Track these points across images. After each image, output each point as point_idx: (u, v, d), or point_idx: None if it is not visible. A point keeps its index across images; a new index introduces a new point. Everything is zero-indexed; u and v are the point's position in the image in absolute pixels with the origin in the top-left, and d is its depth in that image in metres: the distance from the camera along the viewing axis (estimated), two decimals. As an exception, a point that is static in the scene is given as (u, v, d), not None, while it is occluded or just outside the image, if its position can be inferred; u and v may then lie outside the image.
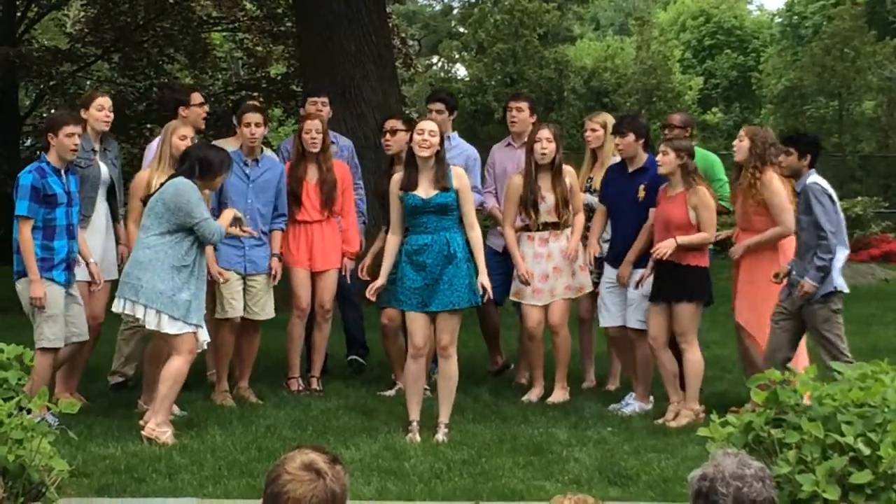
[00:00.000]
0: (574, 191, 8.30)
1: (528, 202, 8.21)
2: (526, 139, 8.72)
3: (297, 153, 8.53)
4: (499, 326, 9.27)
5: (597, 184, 8.56)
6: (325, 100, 9.15)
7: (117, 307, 7.10)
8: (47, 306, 7.21)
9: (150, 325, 7.00)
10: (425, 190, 7.22)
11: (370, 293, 7.36)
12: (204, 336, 7.21)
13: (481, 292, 7.20)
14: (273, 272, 8.27)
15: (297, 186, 8.42)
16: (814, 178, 7.39)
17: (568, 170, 8.32)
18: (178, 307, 6.98)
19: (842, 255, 7.35)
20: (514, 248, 8.36)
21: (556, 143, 8.16)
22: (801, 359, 7.64)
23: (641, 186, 8.10)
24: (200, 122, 8.65)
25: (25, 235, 7.17)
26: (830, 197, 7.34)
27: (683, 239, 7.66)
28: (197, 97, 8.76)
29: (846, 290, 7.43)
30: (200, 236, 7.03)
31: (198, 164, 7.13)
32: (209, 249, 7.66)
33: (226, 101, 19.06)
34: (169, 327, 6.99)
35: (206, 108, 8.79)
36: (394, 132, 8.50)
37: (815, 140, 7.71)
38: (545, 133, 8.20)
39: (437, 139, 7.21)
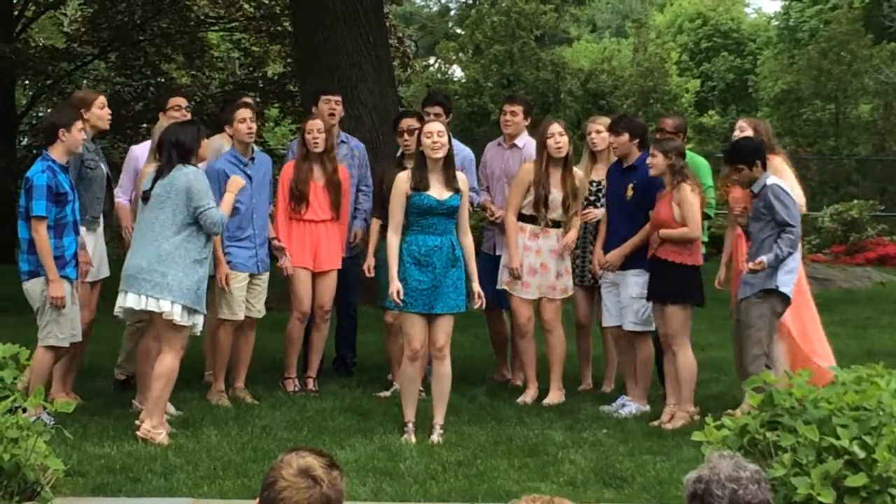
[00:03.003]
0: (577, 194, 8.29)
1: (540, 198, 8.21)
2: (516, 142, 8.85)
3: (301, 152, 8.52)
4: (507, 336, 9.14)
5: None
6: (339, 98, 9.13)
7: (137, 304, 7.01)
8: (65, 305, 7.20)
9: (178, 319, 6.98)
10: (438, 191, 7.20)
11: (397, 298, 7.11)
12: (201, 325, 7.24)
13: (475, 297, 7.21)
14: (282, 260, 8.30)
15: (304, 186, 8.40)
16: (773, 178, 7.42)
17: (577, 173, 8.32)
18: (200, 301, 7.06)
19: (794, 259, 7.39)
20: (513, 236, 8.30)
21: (567, 137, 8.19)
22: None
23: (630, 186, 8.12)
24: None
25: (43, 236, 7.13)
26: (792, 200, 7.38)
27: (664, 232, 7.70)
28: (174, 102, 8.66)
29: (789, 295, 7.42)
30: (203, 224, 7.02)
31: (175, 151, 7.12)
32: (219, 252, 7.77)
33: (223, 100, 19.06)
34: (190, 319, 7.03)
35: (184, 114, 8.69)
36: (412, 131, 8.42)
37: (756, 146, 7.63)
38: (557, 128, 8.21)
39: (445, 139, 7.21)
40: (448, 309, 7.17)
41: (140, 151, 8.50)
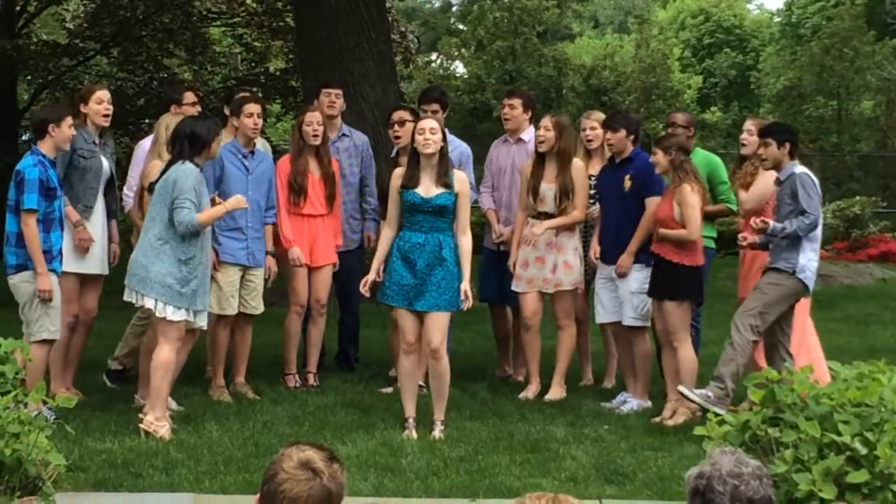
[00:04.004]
0: (578, 187, 8.26)
1: (530, 188, 8.24)
2: (520, 135, 8.83)
3: (297, 146, 8.52)
4: (510, 332, 9.14)
5: None
6: (340, 91, 9.13)
7: (128, 297, 7.12)
8: (52, 298, 7.21)
9: (159, 314, 7.00)
10: (426, 188, 7.20)
11: (363, 288, 7.29)
12: (204, 321, 7.23)
13: (463, 297, 7.18)
14: (268, 271, 8.27)
15: (303, 179, 8.40)
16: (802, 168, 7.45)
17: (576, 165, 8.28)
18: (186, 298, 7.03)
19: (814, 252, 7.42)
20: (517, 232, 8.37)
21: (556, 132, 8.16)
22: (818, 361, 7.65)
23: (627, 177, 8.10)
24: None
25: (33, 229, 7.14)
26: (817, 191, 7.42)
27: (662, 231, 7.69)
28: (190, 97, 8.68)
29: (806, 284, 7.44)
30: (174, 219, 7.00)
31: (187, 142, 7.13)
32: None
33: (224, 96, 19.06)
34: (173, 315, 7.02)
35: (198, 108, 8.73)
36: (402, 123, 8.44)
37: (790, 128, 7.76)
38: (545, 122, 8.25)
39: (438, 136, 7.20)
40: (428, 307, 7.14)
41: (148, 145, 8.50)
